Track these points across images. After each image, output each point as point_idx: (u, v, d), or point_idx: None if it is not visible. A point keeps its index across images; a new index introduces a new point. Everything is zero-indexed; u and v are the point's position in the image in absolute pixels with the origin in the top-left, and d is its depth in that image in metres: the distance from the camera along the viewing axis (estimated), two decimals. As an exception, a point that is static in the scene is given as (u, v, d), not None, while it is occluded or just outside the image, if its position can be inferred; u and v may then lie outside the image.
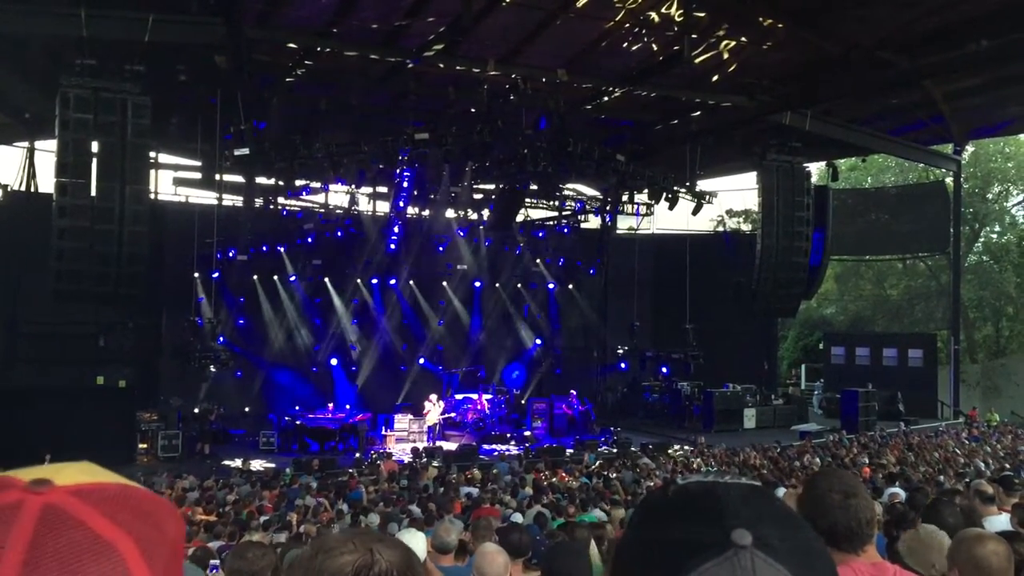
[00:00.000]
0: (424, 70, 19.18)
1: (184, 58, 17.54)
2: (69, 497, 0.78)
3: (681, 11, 17.14)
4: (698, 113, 22.96)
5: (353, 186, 22.84)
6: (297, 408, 22.48)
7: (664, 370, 27.35)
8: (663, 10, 17.47)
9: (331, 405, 22.57)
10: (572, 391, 25.13)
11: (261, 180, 21.48)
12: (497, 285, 27.45)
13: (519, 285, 27.94)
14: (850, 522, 2.34)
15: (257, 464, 18.45)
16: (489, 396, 24.14)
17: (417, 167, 21.37)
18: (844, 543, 2.34)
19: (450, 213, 25.78)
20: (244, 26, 15.74)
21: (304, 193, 23.01)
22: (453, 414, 23.38)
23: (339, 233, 24.41)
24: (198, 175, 22.63)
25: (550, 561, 3.67)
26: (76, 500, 0.78)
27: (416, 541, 3.84)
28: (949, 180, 30.25)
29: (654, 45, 18.98)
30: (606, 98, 21.65)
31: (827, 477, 2.50)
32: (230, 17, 15.10)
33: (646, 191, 24.27)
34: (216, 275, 20.94)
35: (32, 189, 21.38)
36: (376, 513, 10.00)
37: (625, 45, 19.02)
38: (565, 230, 28.57)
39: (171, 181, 23.22)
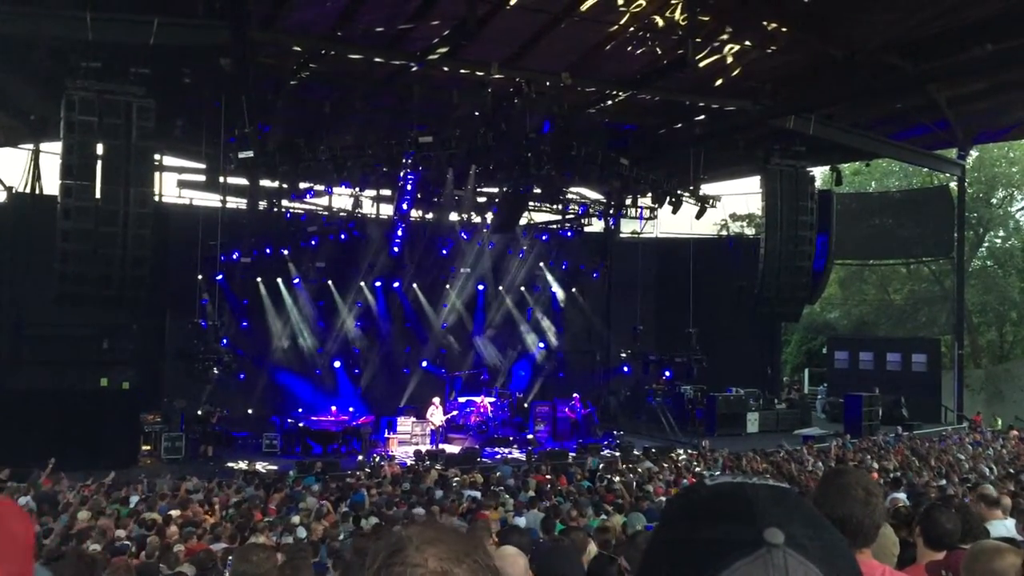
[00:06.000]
0: (428, 73, 19.19)
1: (189, 61, 17.58)
2: None
3: (685, 15, 17.14)
4: (702, 117, 22.96)
5: (357, 189, 22.86)
6: (300, 410, 22.47)
7: (667, 374, 27.31)
8: (667, 14, 17.48)
9: (334, 408, 22.57)
10: (575, 394, 25.10)
11: (265, 183, 21.51)
12: (500, 288, 27.45)
13: (522, 288, 27.92)
14: (864, 520, 2.37)
15: (260, 466, 18.46)
16: (492, 399, 24.12)
17: (421, 170, 21.37)
18: (849, 538, 2.35)
19: (453, 216, 25.79)
20: (249, 29, 15.76)
21: (308, 196, 23.02)
22: (456, 412, 23.33)
23: (343, 236, 24.42)
24: (202, 178, 22.68)
25: (541, 562, 3.66)
26: None
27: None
28: (953, 185, 30.22)
29: (658, 49, 18.98)
30: (610, 102, 21.66)
31: (853, 473, 2.56)
32: (235, 20, 15.13)
33: (649, 195, 24.28)
34: (220, 278, 20.95)
35: (37, 191, 21.42)
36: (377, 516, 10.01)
37: (629, 49, 19.03)
38: (568, 234, 28.55)
39: (175, 184, 23.27)
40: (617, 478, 14.52)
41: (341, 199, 24.36)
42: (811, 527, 0.87)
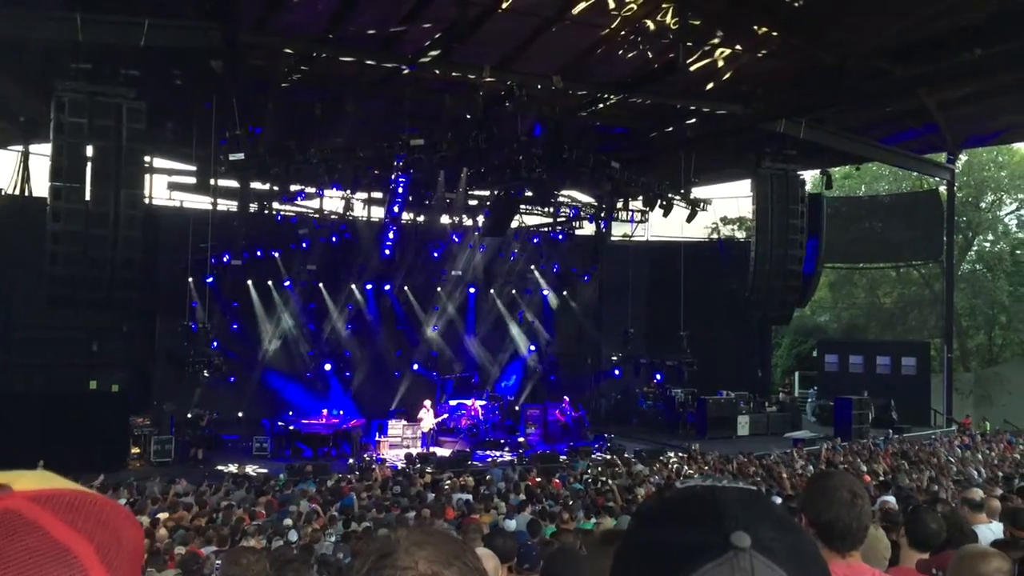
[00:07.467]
0: (420, 76, 19.20)
1: (179, 63, 17.54)
2: (28, 503, 0.77)
3: (676, 19, 17.20)
4: (693, 120, 23.00)
5: (348, 191, 22.84)
6: (291, 413, 22.44)
7: (658, 377, 27.34)
8: (658, 18, 17.53)
9: (325, 411, 22.53)
10: (566, 397, 25.11)
11: (256, 185, 21.49)
12: (492, 291, 27.46)
13: (514, 291, 27.96)
14: (852, 522, 2.37)
15: (250, 469, 18.39)
16: (483, 402, 24.11)
17: (412, 173, 21.37)
18: (837, 541, 2.36)
19: (445, 219, 25.79)
20: (240, 31, 15.74)
21: (299, 198, 23.02)
22: (447, 415, 23.30)
23: (334, 238, 24.41)
24: (193, 180, 22.62)
25: (550, 567, 3.67)
26: (35, 506, 0.77)
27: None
28: (943, 189, 30.36)
29: (649, 53, 19.04)
30: (601, 105, 21.70)
31: (839, 475, 2.57)
32: (226, 22, 15.11)
33: (641, 198, 24.35)
34: (210, 280, 20.90)
35: (26, 193, 21.32)
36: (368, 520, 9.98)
37: (620, 52, 19.07)
38: (560, 237, 28.59)
39: (166, 186, 23.19)
40: (609, 481, 14.52)
41: (332, 201, 24.36)
42: (779, 530, 0.87)
